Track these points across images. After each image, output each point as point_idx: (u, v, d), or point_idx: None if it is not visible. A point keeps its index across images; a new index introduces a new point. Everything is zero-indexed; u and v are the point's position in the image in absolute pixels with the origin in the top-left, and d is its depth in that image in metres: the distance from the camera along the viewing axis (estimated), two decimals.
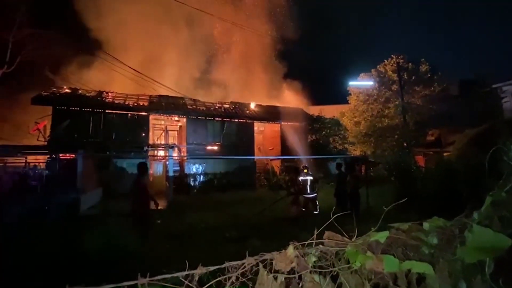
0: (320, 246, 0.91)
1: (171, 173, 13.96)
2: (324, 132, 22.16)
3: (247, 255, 0.84)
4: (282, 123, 19.94)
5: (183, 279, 0.74)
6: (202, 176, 16.97)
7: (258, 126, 20.53)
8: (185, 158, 17.02)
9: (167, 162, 15.39)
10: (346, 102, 23.57)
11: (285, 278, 0.83)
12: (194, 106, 18.94)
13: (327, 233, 0.95)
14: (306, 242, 0.90)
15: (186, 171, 16.76)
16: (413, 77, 20.42)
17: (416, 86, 20.45)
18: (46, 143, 14.41)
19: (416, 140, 19.42)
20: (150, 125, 17.22)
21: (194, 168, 17.02)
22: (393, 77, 20.39)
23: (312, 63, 42.75)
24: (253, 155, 18.99)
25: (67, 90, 17.04)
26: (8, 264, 4.53)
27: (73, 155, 13.20)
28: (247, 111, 20.07)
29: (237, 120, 18.88)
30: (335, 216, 1.02)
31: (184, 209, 10.31)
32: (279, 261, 0.84)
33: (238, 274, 0.80)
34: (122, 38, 24.68)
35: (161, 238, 6.29)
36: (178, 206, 10.79)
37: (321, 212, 8.41)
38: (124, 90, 18.53)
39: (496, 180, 1.14)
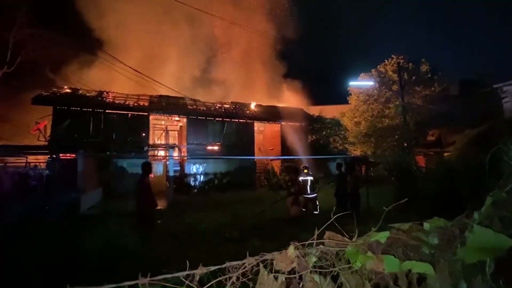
0: (321, 246, 0.91)
1: (171, 173, 13.97)
2: (324, 132, 22.16)
3: (247, 255, 0.84)
4: (282, 123, 19.94)
5: (183, 279, 0.74)
6: (202, 176, 16.98)
7: (258, 126, 20.54)
8: (185, 158, 17.03)
9: (167, 162, 15.40)
10: (347, 102, 23.57)
11: (285, 278, 0.83)
12: (195, 106, 18.94)
13: (327, 233, 0.95)
14: (307, 242, 0.90)
15: (186, 171, 16.76)
16: (414, 77, 20.42)
17: (417, 86, 20.45)
18: (46, 143, 14.43)
19: (417, 140, 19.42)
20: (151, 125, 17.23)
21: (194, 168, 17.02)
22: (393, 77, 20.39)
23: (313, 63, 42.79)
24: (253, 155, 18.99)
25: (67, 90, 17.05)
26: (8, 264, 4.53)
27: (74, 155, 13.21)
28: (247, 111, 20.07)
29: (237, 120, 18.88)
30: (335, 216, 1.02)
31: (185, 209, 10.31)
32: (279, 261, 0.84)
33: (239, 274, 0.80)
34: (123, 38, 24.71)
35: (161, 238, 6.30)
36: (179, 206, 10.80)
37: (321, 212, 8.42)
38: (125, 90, 18.54)
39: (496, 180, 1.14)
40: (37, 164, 13.68)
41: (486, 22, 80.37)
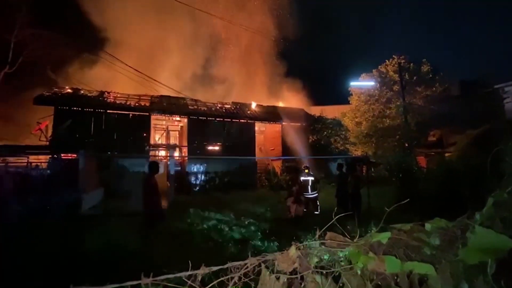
0: (322, 246, 0.91)
1: (172, 173, 13.97)
2: (325, 133, 22.15)
3: (249, 256, 0.84)
4: (283, 123, 19.94)
5: (186, 279, 0.75)
6: (203, 176, 16.98)
7: (259, 126, 20.54)
8: (186, 158, 17.05)
9: (168, 162, 15.42)
10: (347, 102, 23.55)
11: (287, 278, 0.83)
12: (195, 106, 18.96)
13: (329, 234, 0.95)
14: (308, 243, 0.90)
15: (187, 171, 16.77)
16: (415, 78, 20.39)
17: (418, 86, 20.41)
18: (47, 143, 14.47)
19: (418, 141, 19.39)
20: (152, 125, 17.25)
21: (195, 168, 17.04)
22: (394, 78, 20.37)
23: (314, 63, 42.80)
24: (254, 155, 18.99)
25: (69, 90, 17.09)
26: (9, 264, 4.54)
27: (75, 155, 13.24)
28: (248, 111, 20.08)
29: (238, 120, 18.89)
30: (337, 217, 1.02)
31: (186, 208, 10.32)
32: (281, 261, 0.85)
33: (241, 275, 0.80)
34: (124, 38, 24.77)
35: (163, 237, 6.30)
36: (180, 206, 10.80)
37: (322, 212, 8.41)
38: (126, 90, 18.58)
39: (498, 181, 1.14)
40: (38, 164, 13.71)
41: (487, 22, 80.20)
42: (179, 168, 16.79)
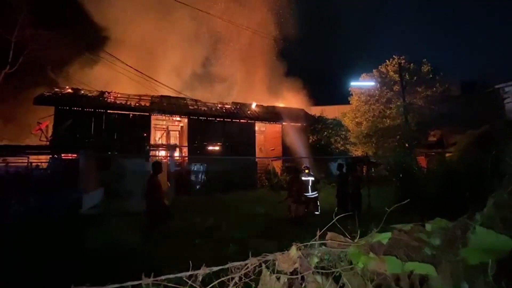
0: (323, 247, 0.91)
1: (172, 173, 13.96)
2: (325, 133, 22.15)
3: (250, 256, 0.84)
4: (284, 123, 19.94)
5: (186, 279, 0.75)
6: (203, 176, 16.98)
7: (259, 126, 20.54)
8: (186, 158, 17.04)
9: (169, 162, 15.42)
10: (348, 102, 23.57)
11: (288, 278, 0.83)
12: (196, 107, 18.97)
13: (329, 234, 0.95)
14: (309, 243, 0.90)
15: (188, 171, 16.77)
16: (415, 78, 20.40)
17: (418, 86, 20.42)
18: (48, 143, 14.48)
19: (418, 141, 19.39)
20: (152, 125, 17.26)
21: (195, 168, 17.03)
22: (394, 78, 20.38)
23: (314, 63, 42.79)
24: (254, 155, 18.99)
25: (69, 90, 17.09)
26: (10, 264, 4.54)
27: (75, 155, 13.25)
28: (248, 112, 20.08)
29: (238, 120, 18.89)
30: (337, 217, 1.02)
31: (186, 208, 10.33)
32: (282, 261, 0.85)
33: (241, 275, 0.80)
34: (124, 37, 24.78)
35: (164, 237, 6.30)
36: (180, 206, 10.81)
37: (323, 212, 8.41)
38: (127, 90, 18.60)
39: (498, 181, 1.14)
40: (39, 164, 13.72)
41: (487, 22, 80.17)
42: (179, 168, 16.80)
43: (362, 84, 22.11)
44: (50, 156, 13.34)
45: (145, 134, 16.42)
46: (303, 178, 8.68)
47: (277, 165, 19.13)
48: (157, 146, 17.38)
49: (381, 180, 12.94)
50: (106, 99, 16.90)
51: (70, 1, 23.35)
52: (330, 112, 24.65)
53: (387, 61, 21.30)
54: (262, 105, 21.72)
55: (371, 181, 10.99)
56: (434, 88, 20.27)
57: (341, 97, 25.95)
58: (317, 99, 28.22)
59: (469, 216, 1.06)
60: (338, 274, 0.87)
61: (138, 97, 18.03)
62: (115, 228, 6.16)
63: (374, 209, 8.42)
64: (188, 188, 15.69)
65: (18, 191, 9.31)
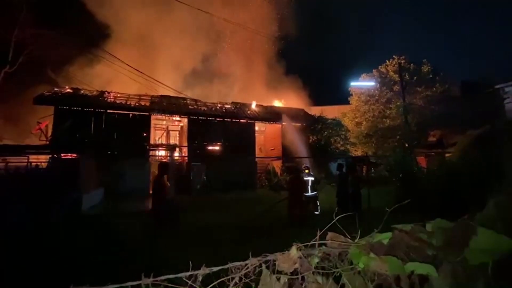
0: (323, 247, 0.91)
1: (172, 173, 13.96)
2: (325, 133, 22.15)
3: (250, 256, 0.84)
4: (283, 123, 19.94)
5: (186, 280, 0.74)
6: (203, 176, 16.97)
7: (259, 126, 20.55)
8: (186, 158, 17.04)
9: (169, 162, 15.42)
10: (348, 102, 23.59)
11: (288, 279, 0.83)
12: (195, 106, 18.97)
13: (330, 234, 0.95)
14: (310, 243, 0.90)
15: (187, 171, 16.77)
16: (415, 78, 20.41)
17: (418, 86, 20.43)
18: (48, 142, 14.47)
19: (418, 141, 19.39)
20: (152, 125, 17.26)
21: (196, 168, 17.02)
22: (394, 78, 20.39)
23: (314, 63, 42.82)
24: (254, 155, 18.99)
25: (69, 90, 17.10)
26: (10, 264, 4.54)
27: (75, 155, 13.25)
28: (248, 111, 20.09)
29: (238, 120, 18.89)
30: (337, 217, 1.02)
31: (186, 208, 10.32)
32: (282, 262, 0.84)
33: (241, 275, 0.80)
34: (124, 37, 24.79)
35: (164, 237, 6.30)
36: (180, 206, 10.80)
37: (322, 212, 8.41)
38: (126, 90, 18.60)
39: (499, 181, 1.14)
40: (39, 163, 13.72)
41: (487, 22, 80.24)
42: (179, 168, 16.78)
43: (362, 84, 22.13)
44: (50, 156, 13.34)
45: (145, 134, 16.42)
46: (304, 178, 8.68)
47: (277, 165, 19.14)
48: (157, 146, 17.37)
49: (381, 180, 12.95)
50: (106, 98, 16.91)
51: (70, 0, 23.37)
52: (330, 112, 24.64)
53: (387, 61, 21.34)
54: (262, 105, 21.73)
55: (371, 181, 10.99)
56: (434, 88, 20.28)
57: (341, 97, 26.00)
58: (317, 99, 28.28)
59: (469, 216, 1.05)
60: (338, 274, 0.86)
61: (138, 97, 18.04)
62: (115, 228, 6.16)
63: (374, 209, 8.42)
64: (188, 188, 15.69)
65: (18, 191, 9.30)
